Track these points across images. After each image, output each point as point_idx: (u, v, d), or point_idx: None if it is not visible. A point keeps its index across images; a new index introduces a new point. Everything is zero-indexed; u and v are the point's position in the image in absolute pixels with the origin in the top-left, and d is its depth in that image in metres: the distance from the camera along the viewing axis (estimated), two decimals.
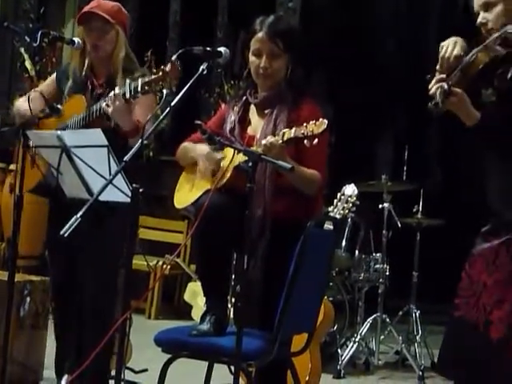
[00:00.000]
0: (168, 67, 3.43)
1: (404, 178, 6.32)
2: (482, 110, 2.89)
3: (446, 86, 2.79)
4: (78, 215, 2.78)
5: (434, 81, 2.85)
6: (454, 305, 3.04)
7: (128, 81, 3.61)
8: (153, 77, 3.48)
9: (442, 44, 2.98)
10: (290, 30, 3.52)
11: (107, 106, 3.62)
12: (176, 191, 3.56)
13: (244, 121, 3.52)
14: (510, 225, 2.93)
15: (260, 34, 3.41)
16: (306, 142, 3.11)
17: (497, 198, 3.03)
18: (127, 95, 3.58)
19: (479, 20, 2.98)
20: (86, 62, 3.90)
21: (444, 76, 2.85)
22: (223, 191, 3.28)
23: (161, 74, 3.45)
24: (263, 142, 3.20)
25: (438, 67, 2.96)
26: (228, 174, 3.30)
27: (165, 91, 3.30)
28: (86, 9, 3.89)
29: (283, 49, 3.40)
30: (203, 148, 3.43)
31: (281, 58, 3.41)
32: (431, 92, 2.84)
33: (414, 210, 6.04)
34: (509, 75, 2.91)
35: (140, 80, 3.54)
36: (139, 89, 3.53)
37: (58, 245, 3.80)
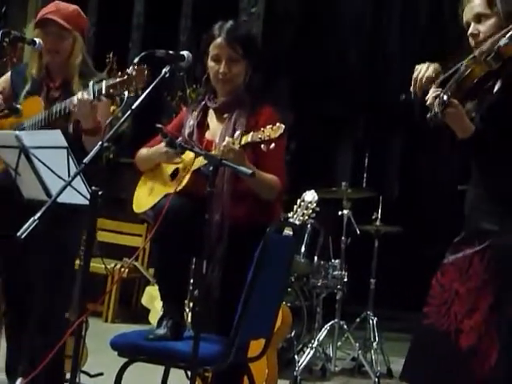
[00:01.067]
0: (133, 70, 3.40)
1: (364, 185, 6.36)
2: (478, 124, 2.91)
3: (445, 97, 2.81)
4: (36, 217, 2.75)
5: (431, 92, 2.88)
6: (422, 313, 3.04)
7: (92, 82, 3.57)
8: (118, 79, 3.45)
9: (417, 66, 3.03)
10: (248, 35, 3.54)
11: (74, 107, 3.58)
12: (135, 195, 3.54)
13: (203, 125, 3.52)
14: (484, 234, 2.95)
15: (219, 40, 3.41)
16: (262, 146, 3.12)
17: (474, 207, 3.04)
18: (91, 97, 3.55)
19: (470, 31, 2.99)
20: (43, 64, 3.86)
21: (439, 89, 2.87)
22: (182, 195, 3.28)
23: (126, 77, 3.42)
24: (222, 144, 3.21)
25: (411, 87, 3.02)
26: (187, 178, 3.30)
27: (126, 93, 3.29)
28: (43, 13, 3.83)
29: (242, 54, 3.41)
30: (159, 146, 3.43)
31: (240, 63, 3.42)
32: (428, 103, 2.88)
33: (373, 217, 6.09)
34: (495, 89, 2.94)
35: (105, 82, 3.51)
36: (103, 91, 3.50)
37: (9, 245, 3.76)
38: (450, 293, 2.98)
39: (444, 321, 2.96)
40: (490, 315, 2.88)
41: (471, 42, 3.00)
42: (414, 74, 3.01)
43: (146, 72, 3.36)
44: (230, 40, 3.39)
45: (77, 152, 3.22)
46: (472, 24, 2.99)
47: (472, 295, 2.93)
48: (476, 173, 3.04)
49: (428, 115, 2.86)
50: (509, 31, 2.81)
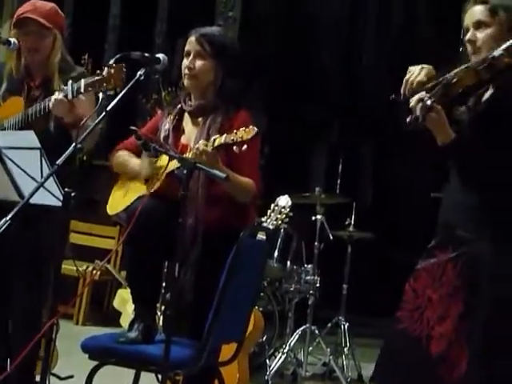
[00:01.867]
0: (111, 68, 3.40)
1: (337, 191, 6.38)
2: (459, 131, 2.92)
3: (429, 102, 2.82)
4: (8, 218, 2.73)
5: (415, 96, 2.88)
6: (395, 318, 3.06)
7: (70, 81, 3.57)
8: (96, 78, 3.45)
9: (410, 68, 3.03)
10: (220, 35, 3.54)
11: (53, 106, 3.57)
12: (110, 198, 3.54)
13: (178, 129, 3.53)
14: (459, 241, 2.96)
15: (191, 37, 3.48)
16: (235, 148, 3.12)
17: (450, 214, 3.05)
18: (69, 96, 3.54)
19: (468, 37, 2.99)
20: (22, 62, 3.85)
21: (424, 94, 2.87)
22: (156, 198, 3.27)
23: (104, 75, 3.41)
24: (195, 147, 3.22)
25: (402, 88, 3.01)
26: (161, 181, 3.29)
27: (101, 95, 3.28)
28: (21, 12, 3.81)
29: (209, 52, 3.44)
30: (137, 162, 3.46)
31: (206, 60, 3.45)
32: (411, 105, 2.88)
33: (346, 222, 6.11)
34: (483, 98, 2.96)
35: (83, 81, 3.50)
36: (82, 90, 3.50)
37: None
38: (423, 298, 3.00)
39: (416, 326, 2.98)
40: (460, 323, 2.90)
41: (468, 47, 3.01)
42: (407, 76, 3.01)
43: (124, 70, 3.37)
44: (199, 37, 3.45)
45: (60, 149, 3.21)
46: (471, 30, 3.00)
47: (444, 302, 2.94)
48: (454, 180, 3.06)
49: (408, 118, 2.87)
50: (504, 43, 2.82)
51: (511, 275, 2.91)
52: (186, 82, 3.51)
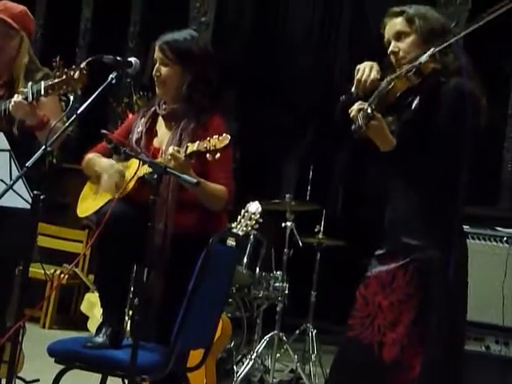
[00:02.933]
0: (71, 71, 3.40)
1: (307, 198, 6.39)
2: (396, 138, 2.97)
3: (369, 110, 2.89)
4: None
5: (355, 106, 2.95)
6: (347, 325, 3.09)
7: (30, 83, 3.56)
8: (56, 80, 3.44)
9: (358, 67, 3.11)
10: (184, 41, 3.53)
11: (12, 108, 3.56)
12: (80, 200, 3.52)
13: (151, 132, 3.53)
14: (408, 248, 3.00)
15: (156, 44, 3.51)
16: (208, 156, 3.13)
17: (396, 222, 3.09)
18: (29, 98, 3.53)
19: (391, 48, 3.09)
20: None
21: (363, 103, 2.94)
22: (126, 202, 3.26)
23: (65, 77, 3.41)
24: (167, 152, 3.21)
25: (353, 89, 3.08)
26: (131, 185, 3.29)
27: (71, 97, 3.27)
28: None
29: (172, 58, 3.46)
30: (107, 162, 3.44)
31: (170, 66, 3.47)
32: (352, 115, 2.96)
33: (316, 230, 6.12)
34: (413, 106, 3.01)
35: (43, 83, 3.50)
36: (42, 92, 3.49)
37: None
38: (373, 306, 3.03)
39: (368, 333, 3.01)
40: (413, 328, 2.93)
41: (392, 59, 3.09)
42: (358, 75, 3.09)
43: (85, 72, 3.37)
44: (162, 44, 3.48)
45: (24, 153, 3.18)
46: (392, 42, 3.09)
47: (395, 308, 2.98)
48: (396, 187, 3.10)
49: (352, 127, 2.94)
50: (429, 48, 2.90)
51: (461, 278, 2.98)
52: (157, 88, 3.54)
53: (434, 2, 6.97)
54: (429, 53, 2.89)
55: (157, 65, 3.49)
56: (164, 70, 3.48)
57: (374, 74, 3.06)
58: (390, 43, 3.11)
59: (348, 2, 9.19)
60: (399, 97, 2.97)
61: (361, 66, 3.11)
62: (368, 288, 3.07)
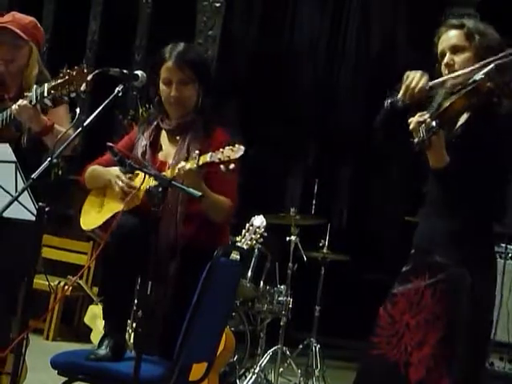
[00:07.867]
0: (73, 71, 3.41)
1: (312, 212, 6.38)
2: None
3: (434, 124, 2.78)
4: None
5: (416, 117, 2.84)
6: (371, 343, 3.03)
7: (35, 86, 3.57)
8: (58, 81, 3.45)
9: (408, 73, 3.01)
10: (199, 58, 3.53)
11: (16, 112, 3.57)
12: (82, 213, 3.51)
13: (155, 146, 3.51)
14: (436, 266, 2.96)
15: (169, 63, 3.43)
16: (222, 167, 3.08)
17: (427, 239, 3.04)
18: (33, 101, 3.54)
19: (446, 60, 3.02)
20: None
21: (423, 113, 2.84)
22: (132, 214, 3.25)
23: (66, 77, 3.42)
24: (178, 166, 3.19)
25: (400, 95, 3.00)
26: (138, 198, 3.28)
27: (78, 110, 3.28)
28: None
29: (192, 77, 3.42)
30: (117, 169, 3.41)
31: (190, 86, 3.43)
32: (412, 127, 2.84)
33: (320, 244, 6.11)
34: (460, 122, 2.96)
35: (46, 85, 3.51)
36: (45, 93, 3.49)
37: None
38: (401, 324, 2.98)
39: (395, 352, 2.96)
40: (439, 349, 2.88)
41: (444, 70, 3.03)
42: (406, 82, 2.99)
43: (86, 71, 3.38)
44: (180, 63, 3.41)
45: (33, 167, 3.19)
46: (448, 54, 3.03)
47: (422, 328, 2.93)
48: (432, 205, 3.06)
49: (416, 140, 2.80)
50: (484, 66, 2.85)
51: (489, 300, 2.94)
52: (170, 108, 3.47)
53: (441, 15, 6.98)
54: (484, 71, 2.82)
55: (174, 86, 3.42)
56: (185, 91, 3.42)
57: (423, 83, 2.96)
58: (443, 54, 3.04)
59: (354, 16, 9.21)
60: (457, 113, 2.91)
61: (410, 73, 3.00)
62: (395, 306, 3.01)
